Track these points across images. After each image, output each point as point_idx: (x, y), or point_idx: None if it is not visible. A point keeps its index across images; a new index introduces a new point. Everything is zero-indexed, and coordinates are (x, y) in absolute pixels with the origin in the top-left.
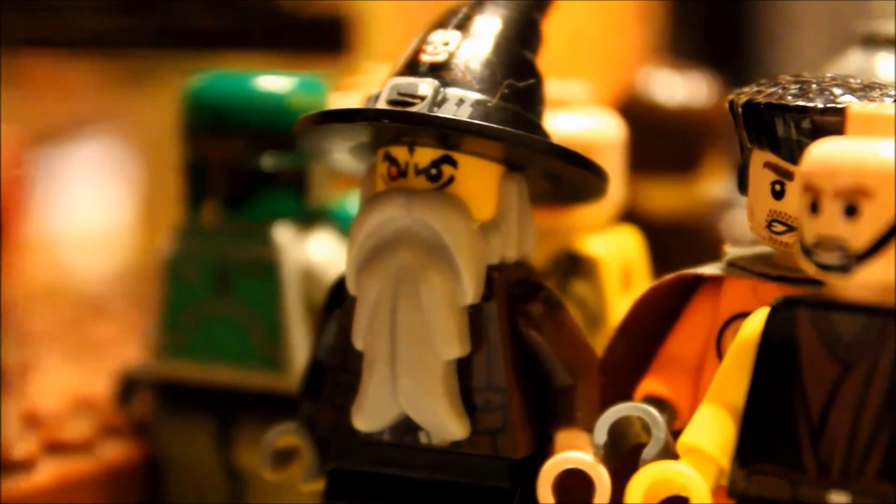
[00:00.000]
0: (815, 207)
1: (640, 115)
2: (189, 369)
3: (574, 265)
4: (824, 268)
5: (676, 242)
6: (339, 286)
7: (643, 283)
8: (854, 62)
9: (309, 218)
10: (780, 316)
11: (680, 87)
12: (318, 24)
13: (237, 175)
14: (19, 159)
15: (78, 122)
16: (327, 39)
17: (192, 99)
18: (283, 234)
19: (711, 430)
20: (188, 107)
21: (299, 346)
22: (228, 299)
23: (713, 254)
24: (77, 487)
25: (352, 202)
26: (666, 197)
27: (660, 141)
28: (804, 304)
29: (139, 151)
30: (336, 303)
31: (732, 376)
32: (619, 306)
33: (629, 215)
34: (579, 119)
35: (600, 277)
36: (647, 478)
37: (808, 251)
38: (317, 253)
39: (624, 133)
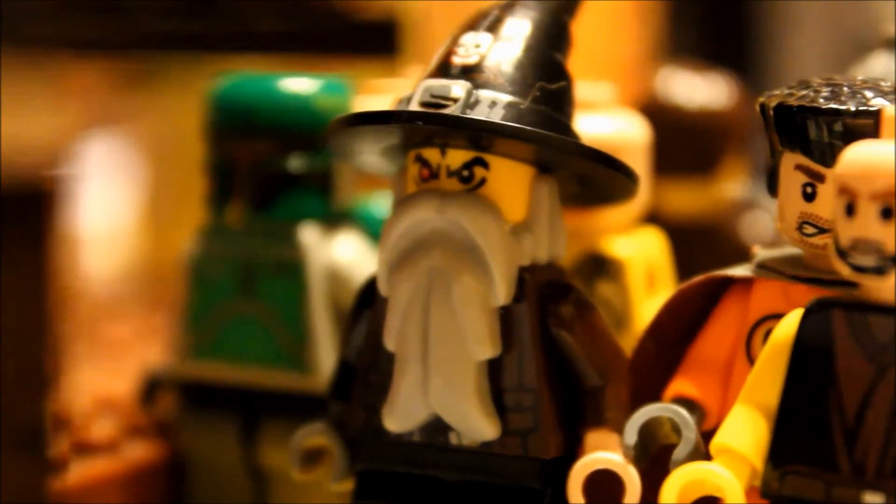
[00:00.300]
0: (850, 210)
1: (659, 117)
2: (213, 369)
3: (600, 266)
4: (860, 270)
5: (696, 243)
6: (370, 287)
7: (667, 284)
8: (879, 65)
9: (334, 219)
10: (816, 317)
11: (699, 89)
12: (370, 28)
13: (263, 176)
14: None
15: (90, 122)
16: (379, 42)
17: (218, 100)
18: (309, 235)
19: (745, 431)
20: (214, 108)
21: (324, 347)
22: (253, 300)
23: (732, 254)
24: (102, 488)
25: (376, 203)
26: (685, 198)
27: (679, 143)
28: (839, 306)
29: (150, 152)
30: (366, 304)
31: (766, 377)
32: (644, 307)
33: (648, 216)
34: (605, 121)
35: (625, 278)
36: (682, 478)
37: (843, 253)
38: (342, 254)
39: (649, 135)
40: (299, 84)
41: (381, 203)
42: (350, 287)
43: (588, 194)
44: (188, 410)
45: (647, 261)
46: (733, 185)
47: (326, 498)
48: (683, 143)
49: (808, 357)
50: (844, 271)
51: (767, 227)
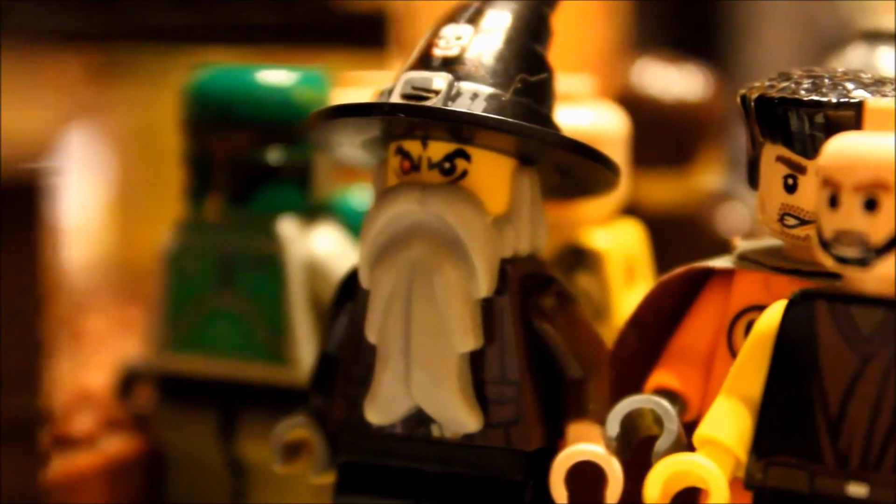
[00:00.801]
0: (834, 201)
1: (635, 109)
2: (191, 363)
3: (578, 258)
4: (843, 261)
5: (672, 235)
6: (351, 280)
7: (646, 275)
8: (856, 57)
9: (313, 211)
10: (799, 309)
11: (675, 80)
12: (360, 21)
13: (241, 169)
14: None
15: (68, 115)
16: (368, 35)
17: (195, 93)
18: (287, 228)
19: (728, 422)
20: (192, 101)
21: (303, 340)
22: (231, 292)
23: (709, 246)
24: (82, 482)
25: (354, 196)
26: (661, 190)
27: (655, 134)
28: (823, 297)
29: (125, 145)
30: (347, 296)
31: (749, 369)
32: (623, 299)
33: (625, 208)
34: (583, 113)
35: (605, 270)
36: (666, 469)
37: (826, 244)
38: (321, 246)
39: (627, 127)
40: (277, 76)
41: (358, 195)
42: (329, 280)
43: (569, 186)
44: (166, 404)
45: (625, 252)
46: (709, 177)
47: (305, 491)
48: (659, 134)
49: (791, 348)
50: (828, 262)
51: (743, 218)
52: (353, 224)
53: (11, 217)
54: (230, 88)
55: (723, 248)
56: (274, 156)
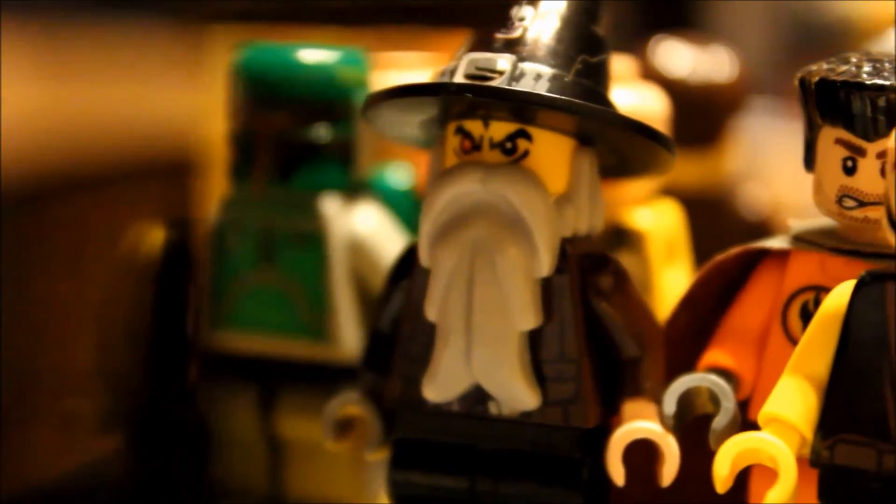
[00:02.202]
0: None
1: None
2: (233, 339)
3: (621, 238)
4: None
5: (696, 215)
6: (407, 258)
7: (684, 255)
8: (893, 41)
9: (354, 189)
10: (869, 289)
11: (700, 61)
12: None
13: (284, 146)
14: None
15: None
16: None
17: (239, 71)
18: (330, 206)
19: (794, 401)
20: (236, 79)
21: (344, 317)
22: (274, 270)
23: (731, 226)
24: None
25: (390, 174)
26: (687, 171)
27: (681, 115)
28: (893, 279)
29: None
30: (403, 274)
31: (815, 348)
32: (663, 278)
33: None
34: (626, 94)
35: (646, 250)
36: (736, 447)
37: None
38: (363, 224)
39: (668, 108)
40: (319, 55)
41: (394, 174)
42: (370, 258)
43: (622, 167)
44: (207, 380)
45: (666, 232)
46: (732, 158)
47: (341, 468)
48: (685, 115)
49: (860, 328)
50: None
51: (764, 199)
52: (390, 202)
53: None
54: (274, 67)
55: (745, 228)
56: (317, 134)
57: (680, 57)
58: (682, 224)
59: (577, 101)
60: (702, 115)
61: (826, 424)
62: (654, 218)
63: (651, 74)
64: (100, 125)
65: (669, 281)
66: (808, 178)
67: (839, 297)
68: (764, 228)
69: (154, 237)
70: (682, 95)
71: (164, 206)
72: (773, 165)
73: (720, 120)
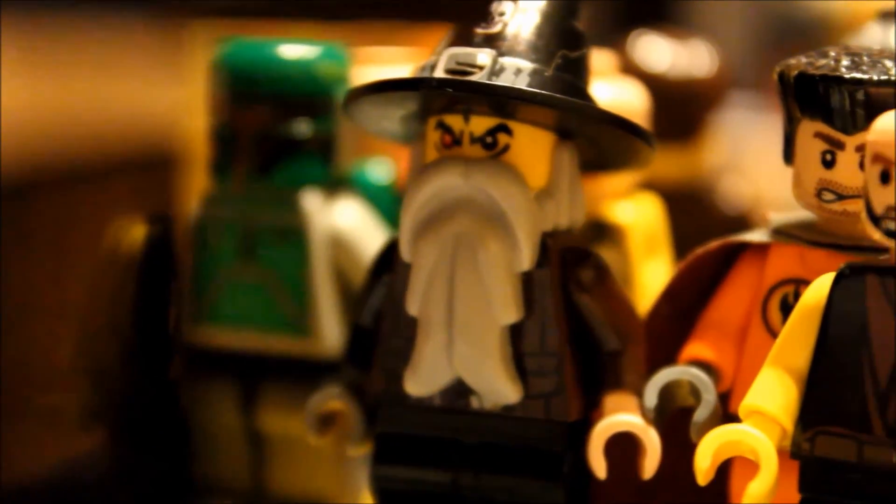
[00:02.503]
0: (885, 177)
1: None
2: (214, 334)
3: (601, 232)
4: (894, 236)
5: (675, 209)
6: (388, 252)
7: (664, 249)
8: (871, 36)
9: (335, 184)
10: (849, 282)
11: (679, 56)
12: None
13: (265, 142)
14: None
15: None
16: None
17: (219, 66)
18: (311, 201)
19: (774, 393)
20: (216, 74)
21: (325, 313)
22: (255, 265)
23: (710, 220)
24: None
25: (370, 169)
26: (666, 165)
27: (660, 109)
28: (873, 271)
29: None
30: (384, 269)
31: (795, 340)
32: (643, 272)
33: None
34: (606, 88)
35: (626, 244)
36: (717, 439)
37: (876, 219)
38: (344, 220)
39: (647, 102)
40: (299, 50)
41: (374, 169)
42: (352, 253)
43: (602, 160)
44: (189, 375)
45: (646, 226)
46: (712, 152)
47: (323, 463)
48: (665, 110)
49: (840, 320)
50: (875, 236)
51: (744, 192)
52: (370, 197)
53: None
54: (254, 62)
55: (725, 221)
56: (297, 129)
57: (659, 51)
58: (662, 218)
59: (556, 95)
60: (681, 109)
61: (806, 416)
62: (635, 212)
63: (630, 69)
64: (83, 120)
65: (649, 275)
66: (785, 172)
67: (819, 289)
68: (743, 222)
69: (136, 232)
70: (662, 90)
71: (146, 201)
72: (750, 159)
73: (699, 114)
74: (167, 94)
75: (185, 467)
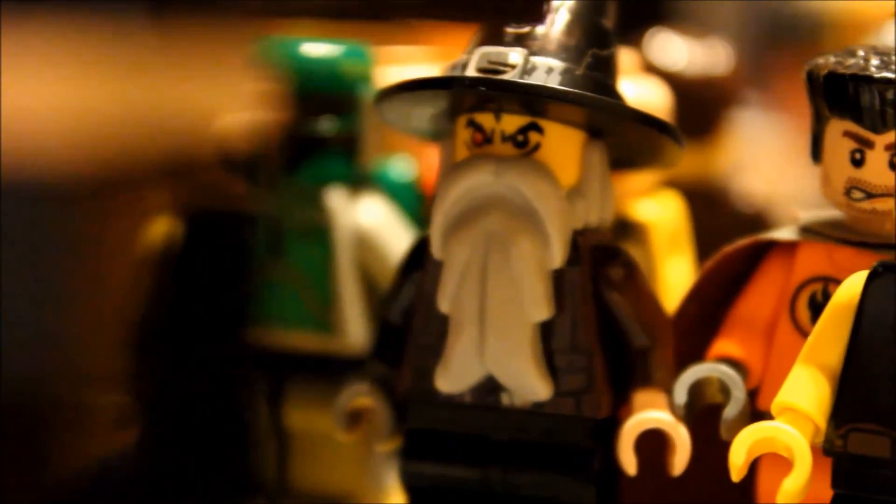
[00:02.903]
0: None
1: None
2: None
3: (625, 230)
4: None
5: (690, 207)
6: (418, 250)
7: (687, 246)
8: (891, 35)
9: (359, 182)
10: (882, 280)
11: (697, 54)
12: None
13: (291, 140)
14: None
15: None
16: None
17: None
18: (336, 198)
19: (807, 390)
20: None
21: (350, 310)
22: (281, 263)
23: (726, 217)
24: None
25: (392, 167)
26: (683, 163)
27: (678, 108)
28: None
29: None
30: (414, 266)
31: (828, 338)
32: (667, 269)
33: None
34: (629, 86)
35: (650, 242)
36: (751, 436)
37: None
38: (368, 217)
39: (670, 100)
40: (325, 49)
41: (398, 166)
42: (376, 250)
43: (632, 158)
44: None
45: (669, 224)
46: (729, 150)
47: (347, 459)
48: (681, 108)
49: (873, 318)
50: None
51: (758, 190)
52: (393, 194)
53: None
54: (280, 61)
55: (739, 219)
56: (322, 127)
57: (675, 49)
58: (685, 216)
59: (588, 93)
60: (698, 107)
61: (839, 413)
62: (658, 210)
63: (647, 67)
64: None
65: (673, 272)
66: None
67: (851, 287)
68: (758, 220)
69: (157, 228)
70: (679, 88)
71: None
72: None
73: (716, 112)
74: (199, 94)
75: (225, 466)
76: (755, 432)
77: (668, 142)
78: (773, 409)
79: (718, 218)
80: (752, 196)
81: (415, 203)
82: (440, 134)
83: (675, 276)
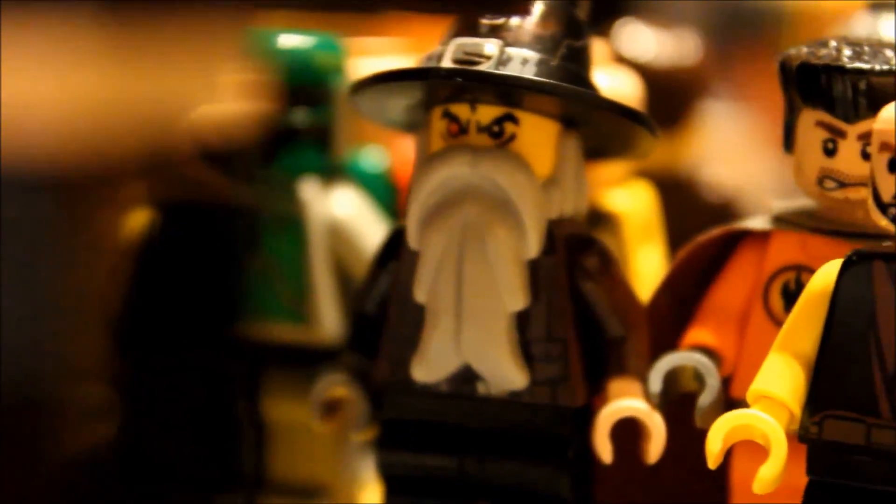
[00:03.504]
0: (893, 166)
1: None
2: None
3: (597, 220)
4: None
5: (663, 197)
6: (394, 240)
7: (658, 236)
8: (861, 25)
9: (332, 173)
10: (856, 268)
11: (665, 45)
12: None
13: (266, 130)
14: None
15: None
16: None
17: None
18: (309, 189)
19: (782, 378)
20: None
21: (325, 300)
22: (257, 253)
23: (694, 207)
24: None
25: (364, 157)
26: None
27: (647, 99)
28: (880, 258)
29: None
30: (389, 257)
31: (802, 326)
32: (638, 259)
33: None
34: (600, 77)
35: (622, 232)
36: (728, 423)
37: (883, 207)
38: (341, 208)
39: (642, 91)
40: (298, 41)
41: (370, 157)
42: (349, 241)
43: (605, 149)
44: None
45: (640, 213)
46: (697, 140)
47: (323, 450)
48: (650, 99)
49: (848, 306)
50: (882, 223)
51: (727, 180)
52: (364, 185)
53: None
54: (252, 52)
55: (707, 209)
56: (295, 118)
57: (644, 40)
58: (656, 206)
59: (565, 84)
60: (667, 97)
61: (814, 401)
62: (630, 200)
63: (616, 58)
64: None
65: (644, 262)
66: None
67: (826, 276)
68: (726, 210)
69: (133, 220)
70: (647, 78)
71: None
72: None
73: (685, 103)
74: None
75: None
76: (731, 420)
77: (642, 132)
78: (749, 397)
79: (687, 208)
80: (720, 186)
81: (387, 194)
82: (414, 125)
83: (646, 266)
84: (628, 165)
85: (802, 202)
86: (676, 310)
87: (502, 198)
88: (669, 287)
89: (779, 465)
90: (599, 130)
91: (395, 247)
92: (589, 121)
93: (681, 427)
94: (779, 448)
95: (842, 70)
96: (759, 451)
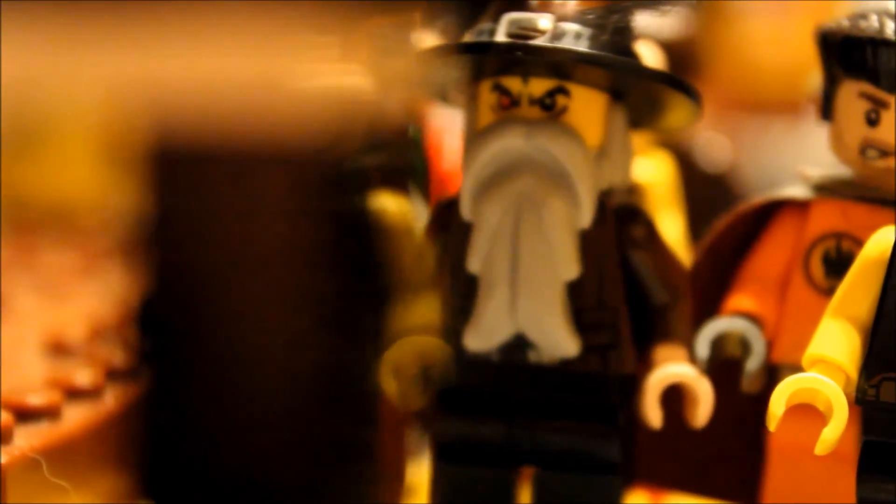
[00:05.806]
0: None
1: None
2: None
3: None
4: None
5: None
6: (441, 213)
7: (678, 205)
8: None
9: None
10: None
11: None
12: None
13: None
14: None
15: None
16: None
17: None
18: None
19: (838, 342)
20: None
21: None
22: None
23: (691, 177)
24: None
25: None
26: None
27: None
28: None
29: None
30: (439, 228)
31: (858, 291)
32: (662, 227)
33: None
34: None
35: (647, 201)
36: (792, 386)
37: None
38: None
39: (663, 65)
40: None
41: None
42: None
43: (641, 119)
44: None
45: (663, 183)
46: None
47: None
48: None
49: None
50: None
51: (723, 151)
52: None
53: None
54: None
55: (704, 179)
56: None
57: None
58: (675, 175)
59: (623, 58)
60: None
61: (871, 364)
62: (653, 169)
63: None
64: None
65: (667, 230)
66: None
67: (882, 242)
68: (723, 180)
69: None
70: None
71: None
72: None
73: (683, 76)
74: None
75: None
76: (795, 382)
77: (684, 102)
78: (805, 361)
79: (684, 179)
80: (717, 156)
81: None
82: (447, 96)
83: (669, 235)
84: (651, 136)
85: (839, 171)
86: (717, 278)
87: (557, 170)
88: (710, 255)
89: (841, 427)
90: (639, 102)
91: (444, 219)
92: (637, 92)
93: (723, 393)
94: (841, 411)
95: (887, 42)
96: (797, 415)
